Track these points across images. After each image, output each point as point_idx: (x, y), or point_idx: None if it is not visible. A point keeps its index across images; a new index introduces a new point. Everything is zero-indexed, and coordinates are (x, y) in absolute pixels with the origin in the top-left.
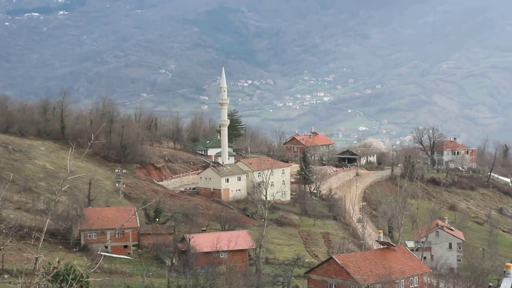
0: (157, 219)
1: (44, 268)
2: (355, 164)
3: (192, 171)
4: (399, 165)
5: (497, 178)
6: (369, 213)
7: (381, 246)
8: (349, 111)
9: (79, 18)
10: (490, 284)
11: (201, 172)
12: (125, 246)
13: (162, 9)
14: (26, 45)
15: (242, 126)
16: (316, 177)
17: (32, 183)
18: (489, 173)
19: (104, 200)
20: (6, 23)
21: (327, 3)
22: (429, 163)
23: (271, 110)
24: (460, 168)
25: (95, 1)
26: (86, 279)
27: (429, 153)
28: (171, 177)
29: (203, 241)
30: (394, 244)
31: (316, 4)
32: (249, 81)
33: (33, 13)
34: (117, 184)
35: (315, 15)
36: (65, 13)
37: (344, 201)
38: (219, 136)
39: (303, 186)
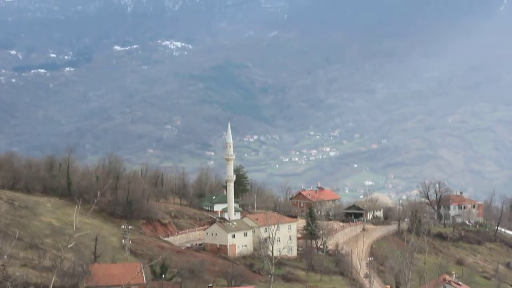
0: (163, 276)
1: None
2: (362, 219)
3: (198, 227)
4: (406, 219)
5: (504, 232)
6: (376, 268)
7: None
8: (355, 166)
9: (85, 75)
10: None
11: (207, 228)
12: None
13: (168, 65)
14: (32, 101)
15: (248, 182)
16: (322, 232)
17: (38, 239)
18: (496, 227)
19: (110, 256)
20: (13, 80)
21: (332, 58)
22: (435, 218)
23: (277, 165)
24: (467, 222)
25: (101, 57)
26: None
27: (436, 207)
28: (177, 233)
29: None
30: None
31: (322, 59)
32: (255, 137)
33: (39, 70)
34: (123, 241)
35: (320, 70)
36: (72, 69)
37: (351, 256)
38: (225, 192)
39: (310, 241)
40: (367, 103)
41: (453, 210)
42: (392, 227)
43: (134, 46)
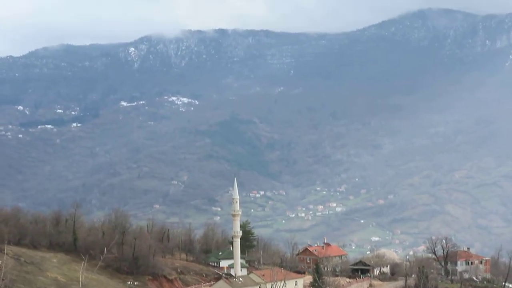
0: None
1: None
2: (369, 275)
3: (204, 283)
4: (413, 275)
5: None
6: None
7: None
8: (362, 221)
9: (92, 130)
10: None
11: (214, 284)
12: None
13: (174, 121)
14: (39, 157)
15: (254, 237)
16: None
17: None
18: (503, 283)
19: None
20: (20, 135)
21: (338, 114)
22: (442, 274)
23: (283, 221)
24: (474, 278)
25: (108, 113)
26: None
27: (443, 263)
28: None
29: None
30: None
31: (328, 114)
32: (262, 192)
33: (46, 125)
34: None
35: (326, 125)
36: (78, 125)
37: None
38: (231, 248)
39: None
40: (374, 158)
41: (460, 266)
42: (399, 283)
43: (141, 102)
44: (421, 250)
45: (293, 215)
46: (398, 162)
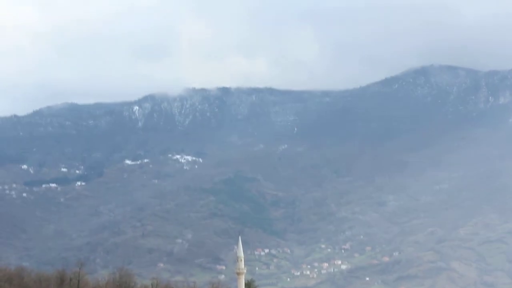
0: None
1: None
2: None
3: None
4: None
5: None
6: None
7: None
8: (367, 279)
9: (96, 189)
10: None
11: None
12: None
13: (178, 179)
14: (43, 216)
15: None
16: None
17: None
18: None
19: None
20: (24, 194)
21: (342, 171)
22: None
23: (288, 279)
24: None
25: (112, 172)
26: None
27: None
28: None
29: None
30: None
31: (332, 172)
32: (266, 250)
33: (50, 184)
34: None
35: (331, 183)
36: (83, 184)
37: None
38: None
39: None
40: (378, 215)
41: None
42: None
43: (145, 160)
44: None
45: (298, 273)
46: (403, 219)
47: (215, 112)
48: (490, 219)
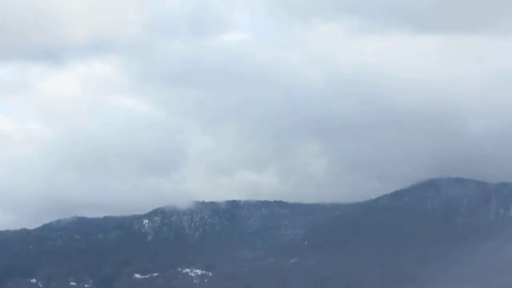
0: None
1: None
2: None
3: None
4: None
5: None
6: None
7: None
8: None
9: None
10: None
11: None
12: None
13: None
14: None
15: None
16: None
17: None
18: None
19: None
20: None
21: (353, 284)
22: None
23: None
24: None
25: (122, 286)
26: None
27: None
28: None
29: None
30: None
31: (342, 285)
32: None
33: None
34: None
35: None
36: None
37: None
38: None
39: None
40: None
41: None
42: None
43: (155, 274)
44: None
45: None
46: None
47: (224, 226)
48: None
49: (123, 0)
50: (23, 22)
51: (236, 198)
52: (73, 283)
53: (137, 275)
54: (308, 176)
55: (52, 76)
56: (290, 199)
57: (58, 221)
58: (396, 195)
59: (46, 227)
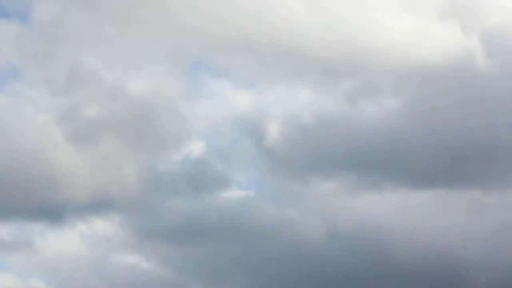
0: None
1: None
2: None
3: None
4: None
5: None
6: None
7: None
8: None
9: None
10: None
11: None
12: None
13: None
14: None
15: None
16: None
17: None
18: None
19: None
20: None
21: None
22: None
23: None
24: None
25: None
26: None
27: None
28: None
29: None
30: None
31: None
32: None
33: None
34: None
35: None
36: None
37: None
38: None
39: None
40: None
41: None
42: None
43: None
44: None
45: None
46: None
47: None
48: None
49: (123, 159)
50: (23, 181)
51: None
52: None
53: None
54: None
55: (53, 234)
56: None
57: None
58: None
59: None
